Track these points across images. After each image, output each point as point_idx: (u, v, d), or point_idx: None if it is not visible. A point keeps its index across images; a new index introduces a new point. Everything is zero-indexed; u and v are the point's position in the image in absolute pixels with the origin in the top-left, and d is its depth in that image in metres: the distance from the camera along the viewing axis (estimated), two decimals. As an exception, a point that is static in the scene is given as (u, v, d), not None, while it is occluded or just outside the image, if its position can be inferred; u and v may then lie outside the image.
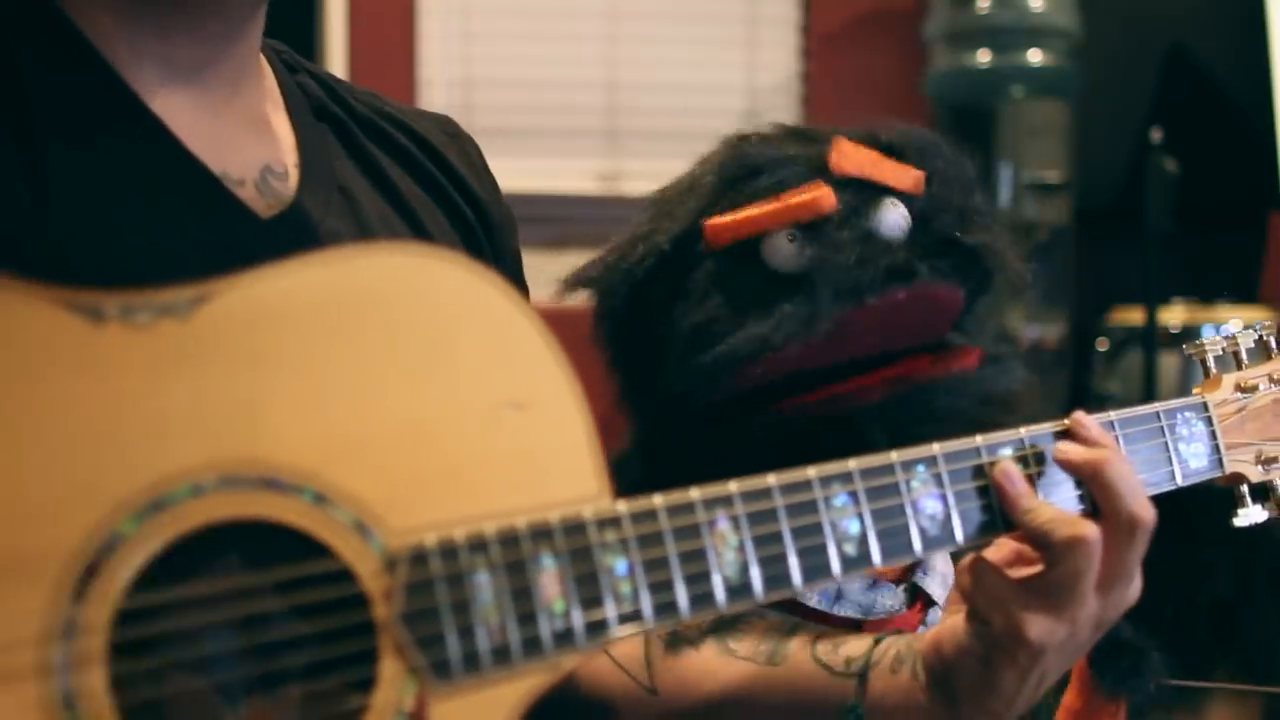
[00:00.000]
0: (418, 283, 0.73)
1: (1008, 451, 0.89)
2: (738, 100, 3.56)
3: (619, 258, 1.10)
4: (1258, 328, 1.04)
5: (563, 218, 3.31)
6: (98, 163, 0.83)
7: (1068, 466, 0.89)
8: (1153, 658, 1.09)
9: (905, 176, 1.08)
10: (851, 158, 1.07)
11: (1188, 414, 0.99)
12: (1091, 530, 0.85)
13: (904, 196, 1.07)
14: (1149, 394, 2.85)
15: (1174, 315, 3.02)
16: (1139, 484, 0.89)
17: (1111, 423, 0.94)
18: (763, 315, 1.02)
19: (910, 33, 3.35)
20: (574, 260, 1.13)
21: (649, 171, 1.06)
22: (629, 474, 1.06)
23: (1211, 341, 1.02)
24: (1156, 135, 2.88)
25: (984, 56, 3.20)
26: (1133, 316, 3.04)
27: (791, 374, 1.03)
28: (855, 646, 0.98)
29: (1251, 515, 1.01)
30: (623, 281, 1.09)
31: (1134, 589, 0.90)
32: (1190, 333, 2.98)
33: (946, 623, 0.93)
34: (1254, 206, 3.15)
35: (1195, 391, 1.02)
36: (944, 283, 1.05)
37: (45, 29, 0.85)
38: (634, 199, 1.24)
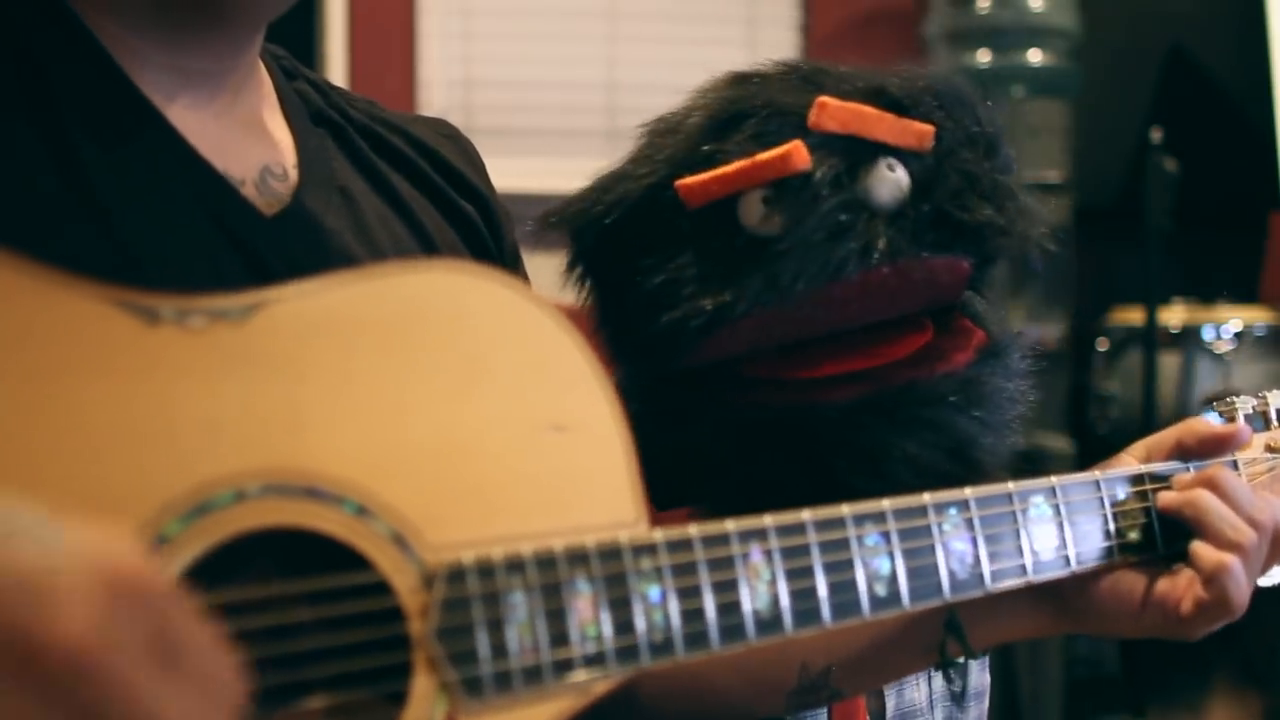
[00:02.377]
0: (465, 301, 0.74)
1: (1039, 498, 0.89)
2: (737, 100, 3.56)
3: (594, 200, 1.03)
4: None
5: (563, 218, 3.29)
6: (117, 160, 0.84)
7: None
8: None
9: (906, 132, 0.97)
10: (835, 115, 0.96)
11: None
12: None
13: (907, 155, 0.97)
14: (1149, 394, 2.86)
15: (1174, 315, 3.02)
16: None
17: (1144, 476, 0.95)
18: (728, 281, 0.95)
19: (910, 33, 3.35)
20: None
21: (650, 172, 1.05)
22: None
23: (1242, 400, 1.03)
24: (1156, 135, 2.88)
25: (984, 56, 3.20)
26: (1133, 316, 3.05)
27: (769, 342, 0.97)
28: None
29: (1275, 576, 1.02)
30: (592, 226, 1.02)
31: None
32: (1190, 332, 2.99)
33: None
34: (1254, 206, 3.15)
35: None
36: (941, 256, 0.97)
37: (62, 32, 0.86)
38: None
